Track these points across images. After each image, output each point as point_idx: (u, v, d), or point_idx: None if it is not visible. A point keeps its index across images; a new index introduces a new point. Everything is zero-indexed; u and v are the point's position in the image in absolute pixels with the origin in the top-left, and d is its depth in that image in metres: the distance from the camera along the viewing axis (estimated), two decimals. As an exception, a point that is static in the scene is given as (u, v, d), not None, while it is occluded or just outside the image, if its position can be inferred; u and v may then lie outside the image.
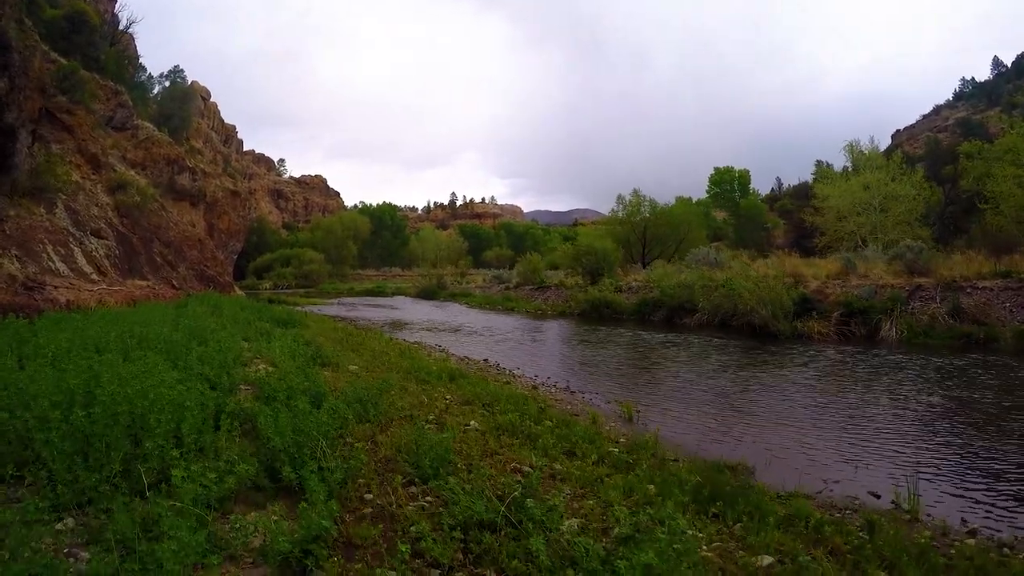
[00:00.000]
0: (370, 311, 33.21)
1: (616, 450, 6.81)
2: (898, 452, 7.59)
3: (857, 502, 6.06)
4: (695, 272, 24.72)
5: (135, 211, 26.76)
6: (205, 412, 4.99)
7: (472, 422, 7.18)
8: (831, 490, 6.39)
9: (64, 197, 21.90)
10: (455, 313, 31.16)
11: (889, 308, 18.56)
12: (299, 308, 32.59)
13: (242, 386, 7.88)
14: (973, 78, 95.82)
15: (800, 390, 10.96)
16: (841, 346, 16.81)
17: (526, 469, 5.61)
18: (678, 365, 13.90)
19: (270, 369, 9.05)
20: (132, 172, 33.62)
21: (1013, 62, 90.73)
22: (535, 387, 10.81)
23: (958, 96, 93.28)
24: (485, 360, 14.29)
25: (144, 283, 24.58)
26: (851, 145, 42.25)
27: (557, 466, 5.81)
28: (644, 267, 36.92)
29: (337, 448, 5.21)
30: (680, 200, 47.19)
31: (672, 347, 16.98)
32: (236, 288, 41.52)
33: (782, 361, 14.26)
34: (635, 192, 41.82)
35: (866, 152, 41.53)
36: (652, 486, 5.49)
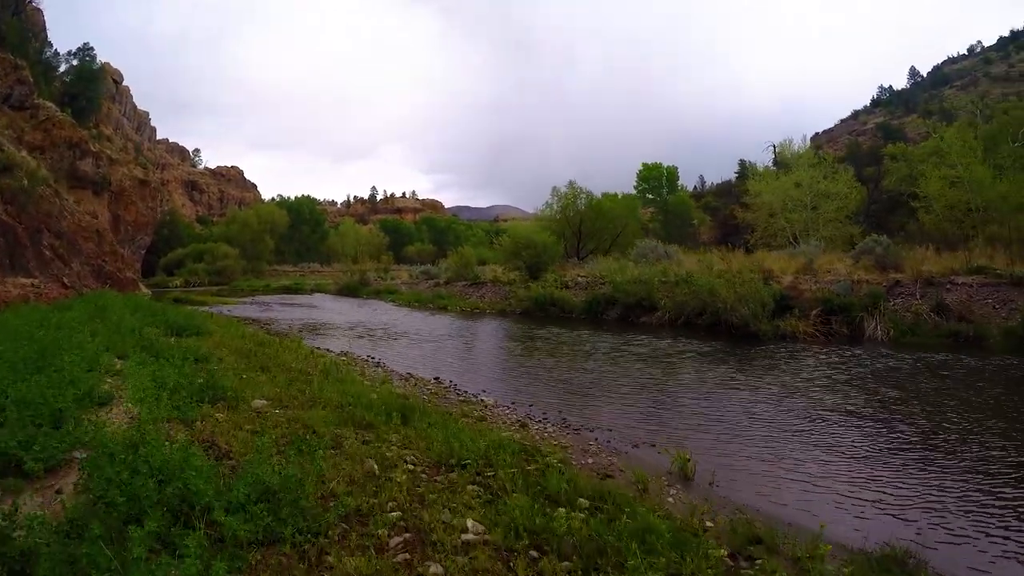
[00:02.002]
0: (287, 311, 28.77)
1: (722, 552, 3.89)
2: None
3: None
4: (654, 267, 22.29)
5: (22, 197, 21.78)
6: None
7: (469, 521, 4.00)
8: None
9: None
10: (383, 313, 27.32)
11: (870, 305, 16.75)
12: (207, 308, 28.36)
13: (76, 454, 4.52)
14: (891, 86, 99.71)
15: (859, 409, 8.37)
16: (833, 347, 14.79)
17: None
18: (681, 379, 11.01)
19: (135, 413, 5.73)
20: (25, 154, 28.34)
21: (929, 72, 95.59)
22: (522, 424, 7.62)
23: (876, 103, 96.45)
24: (436, 379, 10.95)
25: (27, 281, 19.98)
26: (783, 144, 41.72)
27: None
28: (580, 262, 34.58)
29: None
30: (606, 195, 44.87)
31: (654, 354, 14.20)
32: (141, 286, 36.16)
33: (796, 369, 11.77)
34: (571, 184, 39.10)
35: (798, 151, 40.98)
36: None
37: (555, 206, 39.16)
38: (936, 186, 30.62)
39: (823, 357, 13.13)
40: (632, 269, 22.82)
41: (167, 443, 4.12)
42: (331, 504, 3.89)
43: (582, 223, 37.95)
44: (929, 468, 6.17)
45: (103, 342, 9.70)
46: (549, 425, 7.67)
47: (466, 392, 9.70)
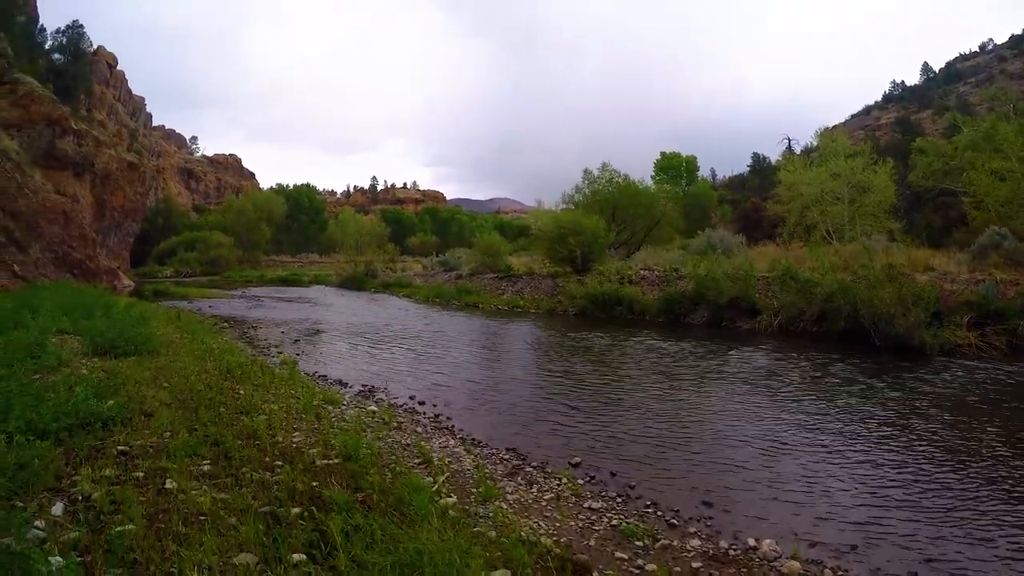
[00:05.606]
0: (281, 309, 23.83)
1: None
2: None
3: None
4: (732, 259, 18.54)
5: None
6: None
7: None
8: None
9: None
10: (401, 312, 22.58)
11: (1032, 310, 13.25)
12: (185, 304, 23.71)
13: None
14: (903, 81, 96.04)
15: None
16: (1010, 364, 11.14)
17: None
18: (964, 449, 7.33)
19: None
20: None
21: (942, 68, 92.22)
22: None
23: (888, 98, 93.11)
24: (576, 468, 5.99)
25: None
26: (821, 132, 38.18)
27: None
28: (614, 254, 30.71)
29: None
30: (629, 182, 40.95)
31: (841, 383, 10.52)
32: (123, 276, 31.53)
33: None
34: (604, 166, 34.29)
35: (834, 140, 37.32)
36: None
37: (586, 190, 34.89)
38: (986, 181, 27.35)
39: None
40: (710, 262, 19.00)
41: None
42: None
43: (615, 211, 33.68)
44: None
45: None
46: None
47: (676, 517, 4.95)
